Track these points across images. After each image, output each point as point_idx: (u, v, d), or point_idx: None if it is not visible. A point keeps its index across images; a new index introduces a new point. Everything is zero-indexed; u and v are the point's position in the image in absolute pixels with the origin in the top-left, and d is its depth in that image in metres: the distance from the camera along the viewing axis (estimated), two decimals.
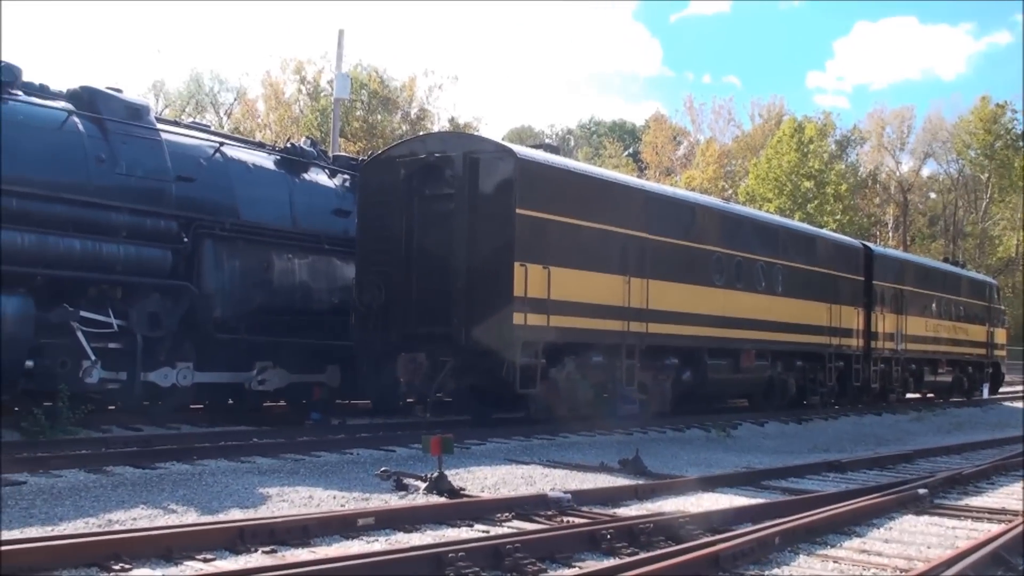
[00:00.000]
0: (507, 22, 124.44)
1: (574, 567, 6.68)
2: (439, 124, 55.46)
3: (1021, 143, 71.95)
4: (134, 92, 17.13)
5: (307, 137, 20.67)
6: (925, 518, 9.11)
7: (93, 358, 12.89)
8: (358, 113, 54.22)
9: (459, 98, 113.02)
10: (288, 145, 17.70)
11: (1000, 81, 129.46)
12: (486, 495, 9.35)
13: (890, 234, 73.50)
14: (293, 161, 17.05)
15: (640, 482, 10.31)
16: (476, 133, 38.12)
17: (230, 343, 14.89)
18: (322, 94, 53.80)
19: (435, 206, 14.90)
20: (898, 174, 76.53)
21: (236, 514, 8.01)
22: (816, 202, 59.98)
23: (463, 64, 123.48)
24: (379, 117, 54.82)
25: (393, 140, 37.45)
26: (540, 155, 15.60)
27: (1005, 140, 70.34)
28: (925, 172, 79.56)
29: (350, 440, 12.54)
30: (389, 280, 14.92)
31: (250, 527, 6.99)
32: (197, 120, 20.65)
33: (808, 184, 60.33)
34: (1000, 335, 34.21)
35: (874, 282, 24.58)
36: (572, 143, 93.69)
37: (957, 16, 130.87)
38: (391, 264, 14.97)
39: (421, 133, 38.59)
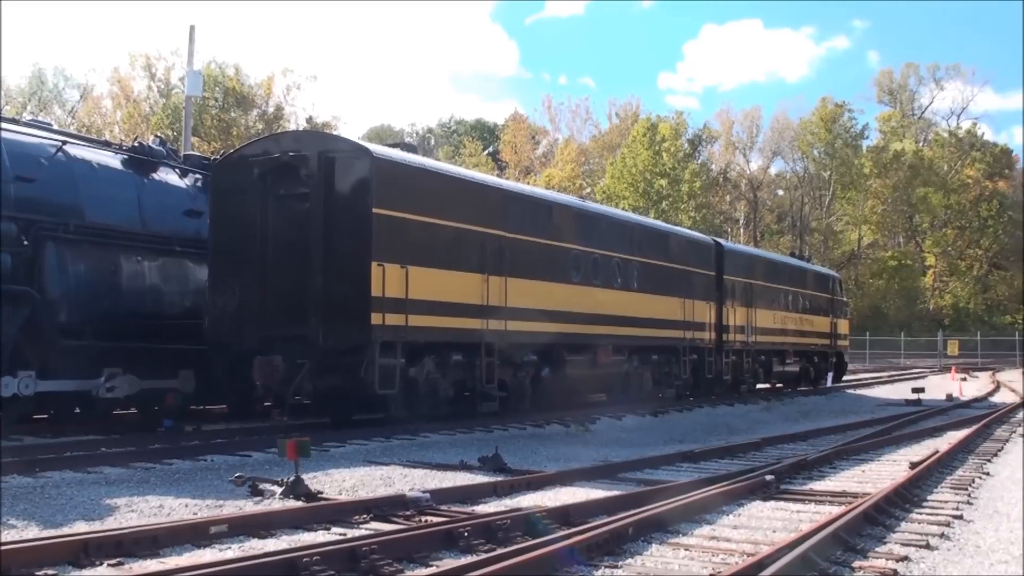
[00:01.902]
0: (365, 21, 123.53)
1: (431, 566, 6.68)
2: (298, 123, 54.69)
3: (859, 142, 75.45)
4: None
5: (156, 136, 20.04)
6: (772, 503, 9.45)
7: None
8: (212, 111, 53.01)
9: (318, 97, 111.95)
10: (136, 144, 17.14)
11: (840, 83, 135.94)
12: (344, 497, 9.27)
13: (741, 230, 75.99)
14: (141, 161, 16.52)
15: (499, 479, 10.38)
16: (332, 132, 37.73)
17: (76, 349, 14.31)
18: (173, 91, 52.38)
19: (290, 206, 14.67)
20: (748, 172, 79.20)
21: (81, 527, 7.73)
22: (670, 199, 61.53)
23: (322, 63, 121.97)
24: (234, 115, 53.70)
25: (249, 139, 36.72)
26: (397, 154, 15.54)
27: (844, 139, 73.62)
28: (773, 170, 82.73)
29: (204, 446, 12.23)
30: (244, 282, 14.64)
31: (95, 540, 6.75)
32: (39, 118, 19.77)
33: (662, 182, 61.84)
34: (843, 326, 35.76)
35: (725, 277, 25.36)
36: (432, 142, 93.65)
37: (799, 20, 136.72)
38: (245, 265, 14.69)
39: (277, 132, 37.97)
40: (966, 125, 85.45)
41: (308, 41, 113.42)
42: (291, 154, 14.72)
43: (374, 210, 14.05)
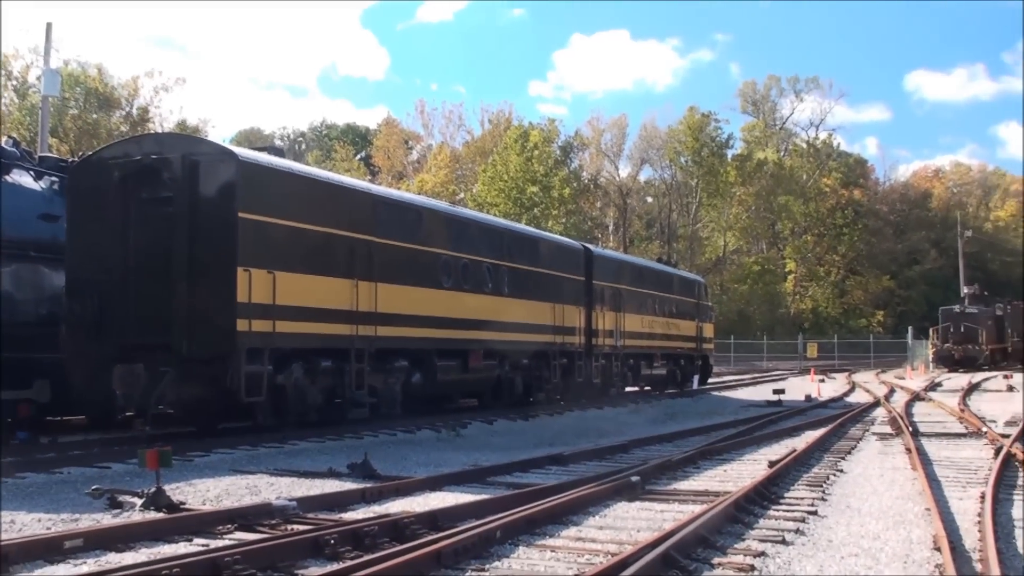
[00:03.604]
0: (233, 24, 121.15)
1: (296, 574, 6.60)
2: (164, 126, 53.29)
3: (725, 151, 77.63)
4: None
5: (9, 136, 19.22)
6: (637, 504, 9.63)
7: None
8: (72, 112, 51.25)
9: (187, 101, 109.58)
10: None
11: (705, 93, 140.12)
12: (207, 508, 9.06)
13: (611, 236, 77.20)
14: None
15: (368, 485, 10.31)
16: (196, 135, 36.89)
17: None
18: (31, 91, 50.43)
19: (153, 210, 14.30)
20: (617, 179, 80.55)
21: None
22: (542, 206, 62.06)
23: (190, 65, 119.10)
24: (95, 117, 52.00)
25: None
26: (264, 158, 15.29)
27: (711, 148, 75.61)
28: (642, 177, 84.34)
29: (60, 459, 11.82)
30: (103, 288, 14.21)
31: None
32: None
33: (534, 189, 62.33)
34: (708, 329, 36.70)
35: (594, 282, 25.73)
36: (303, 146, 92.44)
37: (664, 32, 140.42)
38: (105, 271, 14.25)
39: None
40: (823, 136, 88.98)
41: (175, 42, 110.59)
42: (153, 157, 14.36)
43: (240, 214, 13.79)
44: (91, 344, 14.16)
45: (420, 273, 17.97)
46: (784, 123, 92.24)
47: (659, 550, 6.70)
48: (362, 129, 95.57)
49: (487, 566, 6.89)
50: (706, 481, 11.35)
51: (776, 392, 27.81)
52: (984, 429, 16.80)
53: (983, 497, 9.33)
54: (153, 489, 9.04)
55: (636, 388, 30.00)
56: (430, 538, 7.24)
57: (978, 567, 6.82)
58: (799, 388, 32.83)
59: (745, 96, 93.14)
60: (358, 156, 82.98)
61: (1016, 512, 9.20)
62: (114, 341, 13.98)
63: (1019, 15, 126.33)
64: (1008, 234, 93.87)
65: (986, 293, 59.56)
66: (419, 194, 45.75)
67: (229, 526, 8.08)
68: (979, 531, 7.95)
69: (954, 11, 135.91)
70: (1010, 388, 32.12)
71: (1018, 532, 8.25)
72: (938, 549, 7.26)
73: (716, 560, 7.01)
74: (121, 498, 9.17)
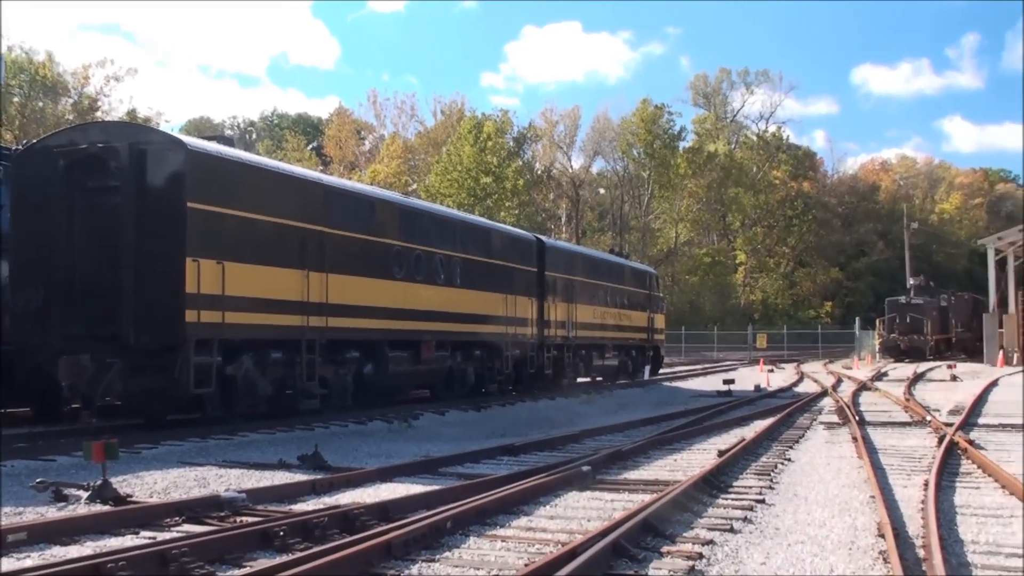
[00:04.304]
0: (184, 12, 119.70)
1: (245, 567, 6.55)
2: (117, 116, 52.56)
3: (677, 143, 78.10)
4: None
5: None
6: (588, 493, 9.68)
7: None
8: (16, 100, 50.39)
9: (136, 90, 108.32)
10: None
11: (656, 86, 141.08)
12: (155, 500, 8.98)
13: (563, 227, 77.35)
14: None
15: (318, 477, 10.26)
16: (145, 123, 36.37)
17: None
18: None
19: (99, 200, 14.09)
20: (570, 171, 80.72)
21: None
22: (495, 197, 62.02)
23: (139, 55, 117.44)
24: (41, 105, 51.14)
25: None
26: (213, 147, 15.11)
27: (663, 140, 76.02)
28: (595, 169, 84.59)
29: (4, 451, 11.57)
30: (49, 279, 13.99)
31: None
32: None
33: (487, 180, 62.26)
34: (660, 320, 36.90)
35: (547, 273, 25.76)
36: (254, 136, 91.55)
37: (616, 25, 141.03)
38: (51, 261, 14.04)
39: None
40: (773, 129, 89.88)
41: (122, 30, 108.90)
42: (100, 145, 14.13)
43: (189, 204, 13.63)
44: (37, 335, 13.95)
45: (372, 264, 17.88)
46: (735, 116, 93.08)
47: (609, 539, 6.75)
48: (314, 119, 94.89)
49: (437, 557, 6.89)
50: (656, 470, 11.43)
51: (726, 382, 28.04)
52: (928, 418, 17.09)
53: (927, 484, 9.50)
54: (99, 482, 8.92)
55: (588, 379, 30.10)
56: (380, 529, 7.22)
57: (921, 552, 6.94)
58: (749, 378, 33.15)
59: (696, 89, 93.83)
60: (310, 146, 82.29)
61: (958, 499, 9.40)
62: (60, 332, 13.77)
63: (960, 12, 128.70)
64: (953, 226, 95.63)
65: (931, 284, 60.58)
66: (371, 185, 45.52)
67: (177, 519, 8.02)
68: (922, 518, 8.09)
69: (899, 7, 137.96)
70: (954, 378, 32.70)
71: (960, 519, 8.42)
72: (882, 536, 7.38)
73: (665, 549, 7.07)
74: (66, 491, 9.04)
